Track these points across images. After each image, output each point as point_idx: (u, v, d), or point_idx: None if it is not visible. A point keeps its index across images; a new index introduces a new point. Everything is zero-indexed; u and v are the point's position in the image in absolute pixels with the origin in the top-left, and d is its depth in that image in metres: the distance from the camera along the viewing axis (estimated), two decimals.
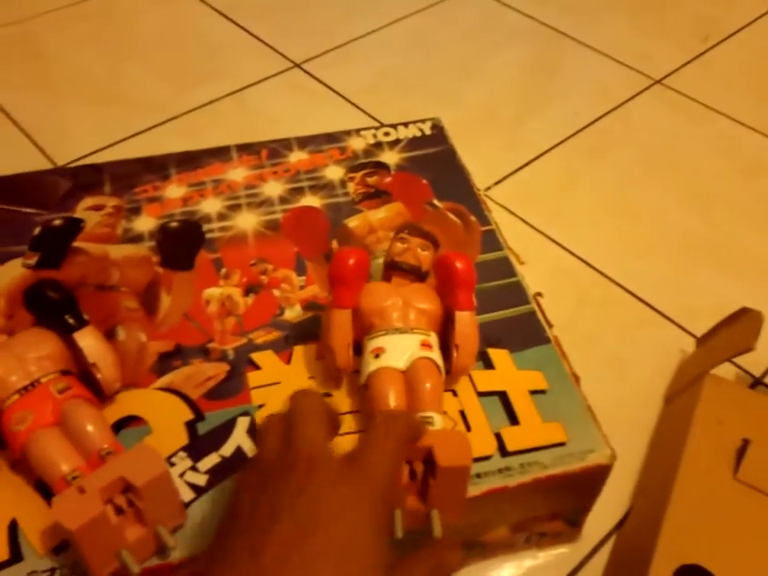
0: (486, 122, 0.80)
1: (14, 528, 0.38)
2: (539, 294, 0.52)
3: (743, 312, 0.52)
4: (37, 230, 0.54)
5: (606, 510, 0.48)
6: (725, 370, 0.56)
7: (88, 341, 0.42)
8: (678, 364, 0.58)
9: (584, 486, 0.45)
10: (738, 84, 0.85)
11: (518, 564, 0.48)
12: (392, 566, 0.30)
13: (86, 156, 0.75)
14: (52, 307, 0.43)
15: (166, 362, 0.47)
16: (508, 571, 0.47)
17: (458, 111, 0.79)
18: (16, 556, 0.37)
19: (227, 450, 0.42)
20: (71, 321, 0.43)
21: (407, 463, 0.36)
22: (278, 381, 0.46)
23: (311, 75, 0.85)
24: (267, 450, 0.33)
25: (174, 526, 0.37)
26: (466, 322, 0.44)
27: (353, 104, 0.80)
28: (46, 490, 0.40)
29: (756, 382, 0.57)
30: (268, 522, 0.28)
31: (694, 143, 0.78)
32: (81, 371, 0.43)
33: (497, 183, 0.73)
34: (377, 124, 0.76)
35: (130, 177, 0.58)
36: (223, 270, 0.53)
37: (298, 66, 0.86)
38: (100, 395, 0.43)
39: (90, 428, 0.39)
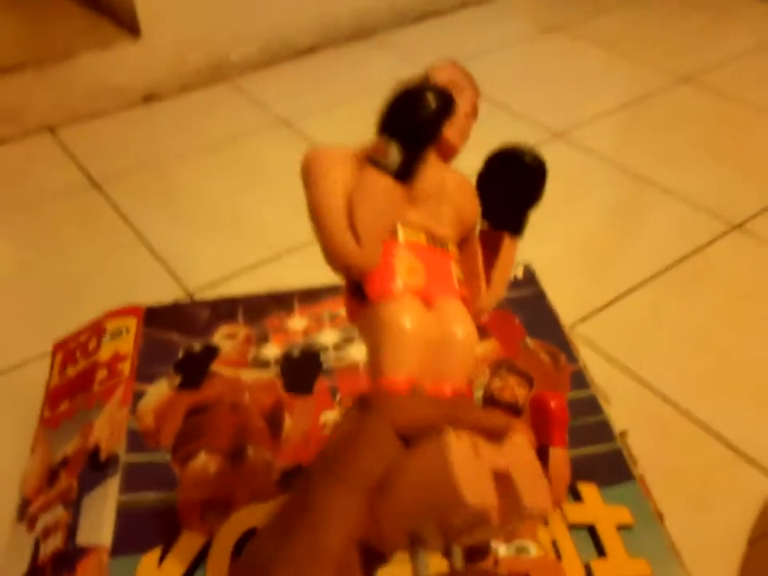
0: (573, 261, 0.86)
1: None
2: (625, 433, 0.56)
3: None
4: (180, 355, 0.63)
5: None
6: None
7: None
8: (761, 506, 0.60)
9: None
10: None
11: None
12: None
13: (213, 283, 0.85)
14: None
15: (289, 479, 0.53)
16: None
17: (548, 249, 0.86)
18: None
19: None
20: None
21: None
22: None
23: None
24: None
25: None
26: (560, 459, 0.48)
27: None
28: None
29: None
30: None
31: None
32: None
33: (582, 320, 0.78)
34: None
35: (260, 309, 0.67)
36: (338, 396, 0.59)
37: None
38: None
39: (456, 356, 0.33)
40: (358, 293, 0.32)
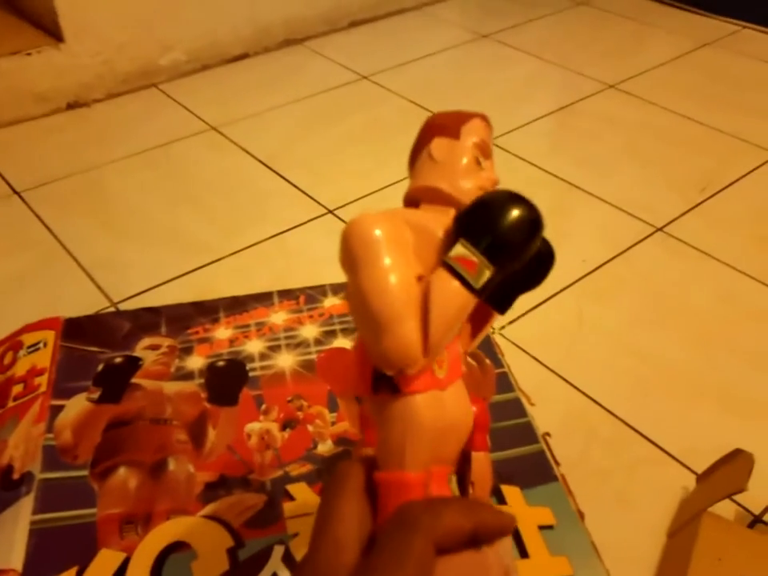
0: None
1: None
2: (548, 434, 0.57)
3: (737, 453, 0.57)
4: (100, 367, 0.61)
5: None
6: (725, 508, 0.60)
7: None
8: (680, 500, 0.61)
9: None
10: (734, 233, 0.93)
11: None
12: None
13: (140, 293, 0.83)
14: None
15: (212, 491, 0.52)
16: None
17: None
18: None
19: None
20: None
21: None
22: (311, 512, 0.51)
23: (343, 221, 0.94)
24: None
25: None
26: (482, 462, 0.49)
27: None
28: None
29: (755, 520, 0.60)
30: None
31: (694, 288, 0.84)
32: None
33: (511, 323, 0.79)
34: None
35: (184, 319, 0.66)
36: (263, 406, 0.59)
37: (331, 212, 0.96)
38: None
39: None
40: (383, 378, 0.31)
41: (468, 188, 0.34)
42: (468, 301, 0.30)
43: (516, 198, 0.30)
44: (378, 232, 0.30)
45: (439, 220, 0.32)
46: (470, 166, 0.35)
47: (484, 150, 0.36)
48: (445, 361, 0.32)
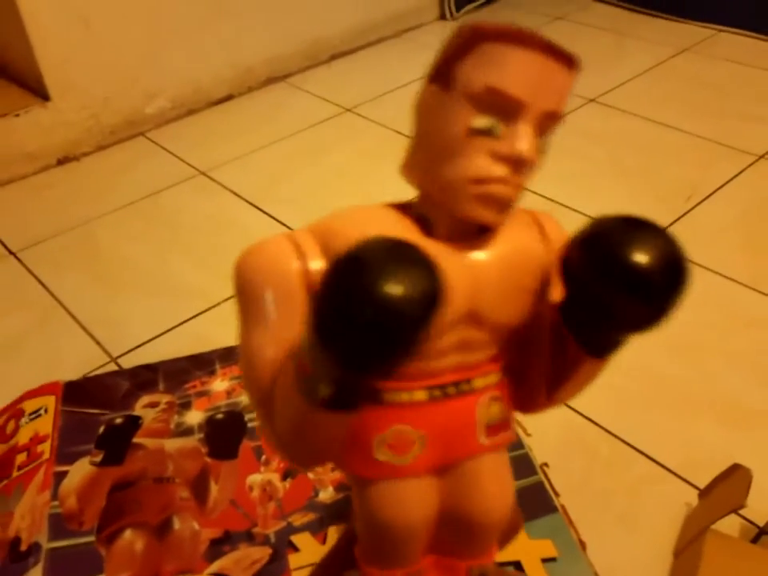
0: None
1: None
2: (545, 465, 0.58)
3: (734, 469, 0.57)
4: (101, 429, 0.62)
5: None
6: (730, 522, 0.60)
7: None
8: (684, 517, 0.62)
9: None
10: (722, 240, 0.93)
11: None
12: None
13: (138, 346, 0.84)
14: None
15: (217, 547, 0.53)
16: None
17: None
18: None
19: None
20: None
21: None
22: (316, 562, 0.51)
23: None
24: None
25: None
26: None
27: None
28: None
29: (761, 533, 0.61)
30: None
31: (686, 299, 0.85)
32: None
33: None
34: None
35: (181, 374, 0.67)
36: (263, 457, 0.60)
37: None
38: None
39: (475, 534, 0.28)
40: None
41: (451, 179, 0.22)
42: (311, 414, 0.20)
43: (399, 259, 0.17)
44: (268, 275, 0.23)
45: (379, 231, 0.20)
46: (463, 139, 0.22)
47: (500, 107, 0.21)
48: (414, 438, 0.24)
